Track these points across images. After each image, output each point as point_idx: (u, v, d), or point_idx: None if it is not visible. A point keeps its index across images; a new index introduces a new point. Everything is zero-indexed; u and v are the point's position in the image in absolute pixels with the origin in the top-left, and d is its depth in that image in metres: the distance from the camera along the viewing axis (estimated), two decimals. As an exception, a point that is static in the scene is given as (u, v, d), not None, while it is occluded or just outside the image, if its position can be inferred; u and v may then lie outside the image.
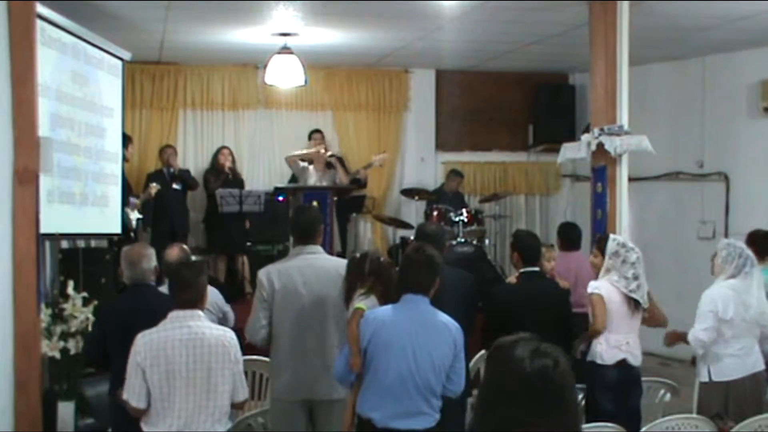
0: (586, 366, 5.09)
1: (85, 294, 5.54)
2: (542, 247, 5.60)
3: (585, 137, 6.77)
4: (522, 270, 5.18)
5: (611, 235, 5.43)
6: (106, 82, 7.03)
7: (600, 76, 6.69)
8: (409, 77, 10.68)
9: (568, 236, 6.98)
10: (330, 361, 4.40)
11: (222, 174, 9.45)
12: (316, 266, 4.65)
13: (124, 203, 7.85)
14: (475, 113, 10.81)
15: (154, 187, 8.80)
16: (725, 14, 7.40)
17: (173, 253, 5.27)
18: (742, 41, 8.50)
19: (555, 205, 11.11)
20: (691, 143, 9.44)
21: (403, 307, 3.93)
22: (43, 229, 4.67)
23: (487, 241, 9.82)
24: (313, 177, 8.78)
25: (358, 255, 4.60)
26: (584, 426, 4.57)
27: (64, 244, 7.00)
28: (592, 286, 5.15)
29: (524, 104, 10.89)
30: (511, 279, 5.44)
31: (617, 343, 5.04)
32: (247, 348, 4.98)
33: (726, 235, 8.38)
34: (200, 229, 9.87)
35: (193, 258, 5.54)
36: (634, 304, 5.06)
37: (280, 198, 9.42)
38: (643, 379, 5.22)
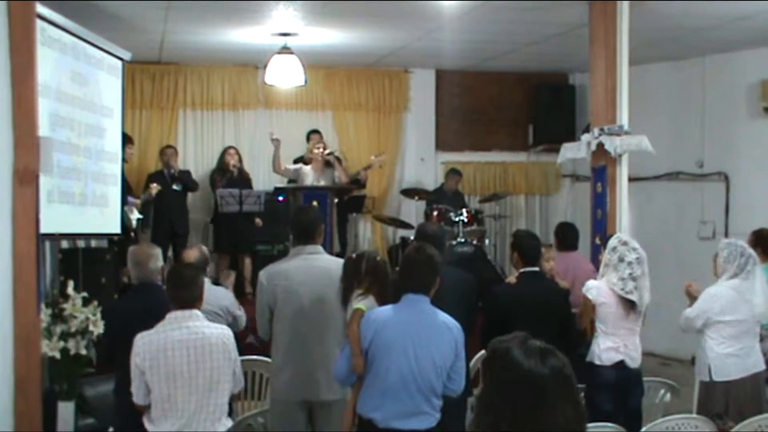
0: (585, 366, 5.09)
1: (85, 294, 5.53)
2: (542, 247, 5.59)
3: (585, 137, 6.77)
4: (522, 270, 5.17)
5: (617, 233, 5.44)
6: (106, 82, 7.02)
7: (600, 76, 6.69)
8: (409, 77, 10.69)
9: (565, 236, 6.97)
10: (330, 362, 4.40)
11: (227, 173, 9.44)
12: (316, 266, 4.66)
13: (124, 203, 7.84)
14: (475, 113, 10.81)
15: (155, 187, 8.80)
16: (725, 14, 7.40)
17: (192, 254, 5.30)
18: (742, 41, 8.50)
19: (555, 205, 11.11)
20: (691, 143, 9.44)
21: (403, 307, 3.93)
22: (43, 229, 4.66)
23: (487, 241, 9.82)
24: (310, 177, 8.72)
25: (354, 255, 4.59)
26: (584, 426, 4.58)
27: (64, 244, 7.00)
28: (586, 286, 5.15)
29: (524, 104, 10.89)
30: (511, 279, 5.44)
31: (614, 344, 5.02)
32: (247, 348, 4.99)
33: (726, 235, 8.39)
34: (201, 229, 9.88)
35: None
36: (630, 305, 4.99)
37: (280, 198, 9.41)
38: (644, 379, 5.22)
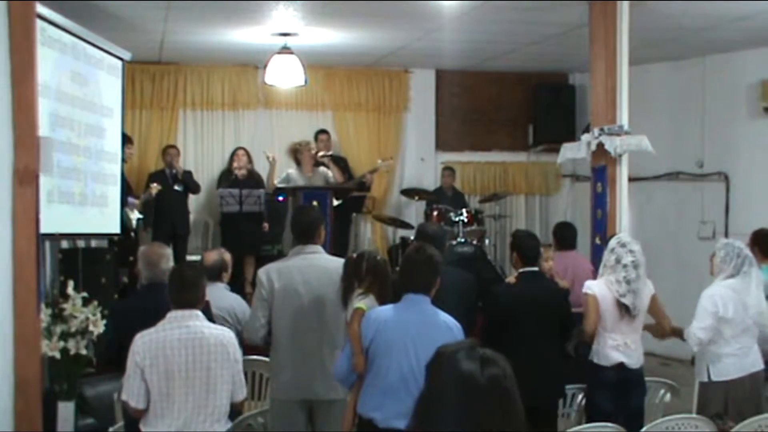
0: (587, 365, 5.09)
1: (85, 294, 5.53)
2: (541, 247, 5.59)
3: (585, 137, 6.77)
4: (521, 270, 5.17)
5: (618, 234, 5.44)
6: (106, 82, 7.03)
7: (600, 76, 6.69)
8: (409, 77, 10.68)
9: (564, 236, 6.97)
10: (330, 361, 4.40)
11: (231, 175, 9.43)
12: (315, 266, 4.66)
13: (123, 204, 7.84)
14: (474, 113, 10.81)
15: (155, 187, 8.79)
16: (725, 14, 7.40)
17: (211, 256, 5.34)
18: (742, 41, 8.50)
19: (555, 205, 11.11)
20: (691, 143, 9.44)
21: (404, 307, 3.94)
22: (43, 229, 4.67)
23: (487, 241, 9.81)
24: (300, 182, 8.69)
25: (354, 255, 4.60)
26: (584, 426, 4.58)
27: (64, 244, 7.00)
28: (586, 286, 5.15)
29: (524, 104, 10.89)
30: (510, 279, 5.44)
31: (615, 344, 5.01)
32: (247, 348, 4.99)
33: (726, 235, 8.38)
34: (202, 229, 9.88)
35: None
36: (624, 308, 4.97)
37: (280, 198, 9.41)
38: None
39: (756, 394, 5.14)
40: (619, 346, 5.01)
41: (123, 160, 7.93)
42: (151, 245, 5.16)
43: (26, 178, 4.26)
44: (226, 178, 9.47)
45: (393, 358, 3.82)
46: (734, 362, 5.07)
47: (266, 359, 5.06)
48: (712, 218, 9.29)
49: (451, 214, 9.25)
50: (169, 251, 4.85)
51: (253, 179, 9.43)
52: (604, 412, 4.83)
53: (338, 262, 4.67)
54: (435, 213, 9.31)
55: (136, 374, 3.84)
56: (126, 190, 8.14)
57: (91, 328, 5.39)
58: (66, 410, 5.18)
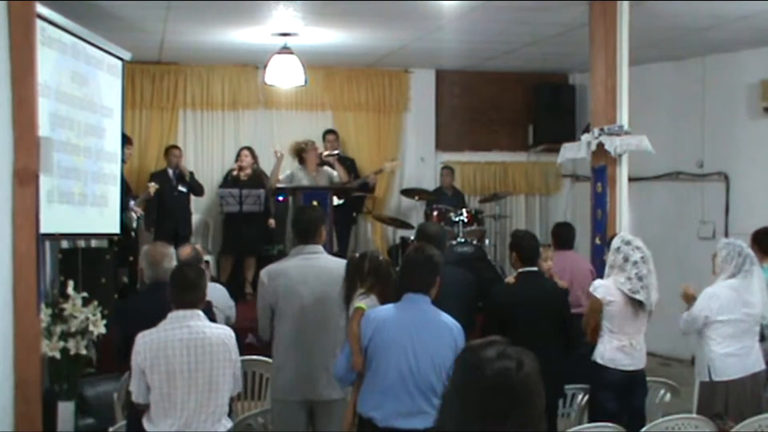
0: (590, 365, 5.09)
1: (85, 294, 5.54)
2: (540, 247, 5.59)
3: (585, 137, 6.77)
4: (520, 270, 5.17)
5: (618, 234, 5.45)
6: (106, 82, 7.03)
7: (600, 76, 6.69)
8: (409, 77, 10.68)
9: (562, 236, 6.97)
10: (330, 361, 4.40)
11: (230, 176, 9.43)
12: (316, 266, 4.66)
13: (123, 205, 7.83)
14: (474, 113, 10.80)
15: (153, 186, 8.77)
16: (725, 14, 7.40)
17: (185, 251, 5.32)
18: (742, 41, 8.50)
19: (555, 205, 11.11)
20: (691, 143, 9.44)
21: (404, 307, 3.94)
22: (43, 229, 4.67)
23: (487, 241, 9.81)
24: (304, 181, 8.70)
25: (357, 255, 4.61)
26: (584, 426, 4.58)
27: (64, 244, 7.01)
28: (593, 286, 5.15)
29: (524, 104, 10.89)
30: (510, 279, 5.44)
31: (620, 344, 5.02)
32: (247, 348, 5.00)
33: (726, 235, 8.38)
34: (201, 229, 9.88)
35: (207, 258, 5.58)
36: (638, 305, 5.00)
37: (280, 198, 9.40)
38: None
39: (757, 394, 5.15)
40: (624, 347, 5.02)
41: (122, 161, 7.93)
42: (154, 244, 5.16)
43: (26, 178, 4.27)
44: (226, 178, 9.47)
45: (392, 358, 3.82)
46: (735, 362, 5.08)
47: (266, 359, 5.07)
48: (712, 218, 9.28)
49: (451, 214, 9.25)
50: (172, 250, 4.84)
51: (255, 179, 9.38)
52: (608, 413, 4.82)
53: (339, 262, 4.68)
54: (435, 213, 9.31)
55: (136, 373, 3.88)
56: (126, 191, 8.13)
57: (91, 328, 5.40)
58: (66, 410, 5.20)
